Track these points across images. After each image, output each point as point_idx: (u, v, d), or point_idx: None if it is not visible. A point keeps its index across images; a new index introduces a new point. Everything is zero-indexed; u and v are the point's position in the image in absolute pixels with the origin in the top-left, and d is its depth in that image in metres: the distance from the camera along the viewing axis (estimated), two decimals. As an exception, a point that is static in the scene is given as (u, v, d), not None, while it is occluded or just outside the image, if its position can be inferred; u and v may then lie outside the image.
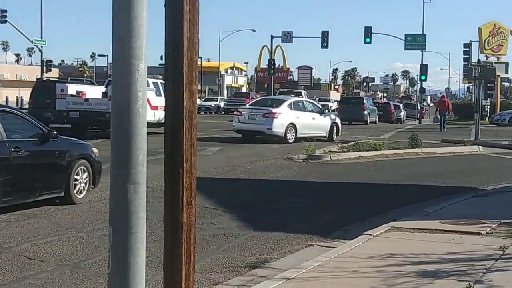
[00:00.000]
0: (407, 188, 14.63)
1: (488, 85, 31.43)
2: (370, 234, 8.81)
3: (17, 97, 62.63)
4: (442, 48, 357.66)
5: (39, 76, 53.42)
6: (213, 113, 59.41)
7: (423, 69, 60.98)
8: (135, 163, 3.19)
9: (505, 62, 56.41)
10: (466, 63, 45.89)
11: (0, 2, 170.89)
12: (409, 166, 19.28)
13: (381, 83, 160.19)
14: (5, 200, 9.70)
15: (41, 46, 54.86)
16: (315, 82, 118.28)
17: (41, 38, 54.61)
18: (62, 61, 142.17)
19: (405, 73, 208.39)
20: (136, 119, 3.18)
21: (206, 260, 7.79)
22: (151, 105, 26.30)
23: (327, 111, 31.45)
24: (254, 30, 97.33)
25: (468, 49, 47.01)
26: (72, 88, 26.13)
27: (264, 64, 76.33)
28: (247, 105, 32.22)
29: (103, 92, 26.95)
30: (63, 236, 8.79)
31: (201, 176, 14.29)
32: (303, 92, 60.60)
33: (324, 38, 60.91)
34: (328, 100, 76.39)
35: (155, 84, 26.55)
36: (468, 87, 78.13)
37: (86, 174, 11.31)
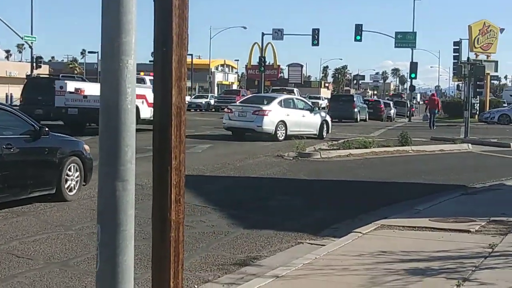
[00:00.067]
0: (397, 185, 14.65)
1: (478, 83, 31.48)
2: (360, 232, 8.81)
3: (6, 93, 62.30)
4: (432, 46, 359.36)
5: (29, 73, 53.19)
6: (203, 110, 59.32)
7: (413, 67, 61.12)
8: (123, 160, 3.16)
9: (494, 60, 56.68)
10: (456, 61, 46.05)
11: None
12: (399, 163, 19.32)
13: (371, 81, 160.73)
14: (-4, 197, 9.67)
15: (31, 43, 54.52)
16: (305, 80, 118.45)
17: (31, 34, 54.24)
18: (52, 57, 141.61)
19: (395, 71, 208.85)
20: (125, 115, 3.16)
21: (195, 258, 7.77)
22: (148, 102, 26.27)
23: (317, 108, 31.42)
24: (245, 27, 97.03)
25: (458, 47, 47.18)
26: (71, 85, 26.16)
27: (255, 61, 76.33)
28: (238, 102, 32.17)
29: None
30: (51, 234, 8.74)
31: (191, 173, 14.26)
32: (295, 89, 60.64)
33: (315, 36, 60.93)
34: (319, 98, 76.46)
35: (152, 81, 26.53)
36: (458, 85, 78.50)
37: (77, 171, 11.29)
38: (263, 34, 65.35)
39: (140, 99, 24.86)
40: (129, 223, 3.19)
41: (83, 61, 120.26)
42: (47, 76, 37.23)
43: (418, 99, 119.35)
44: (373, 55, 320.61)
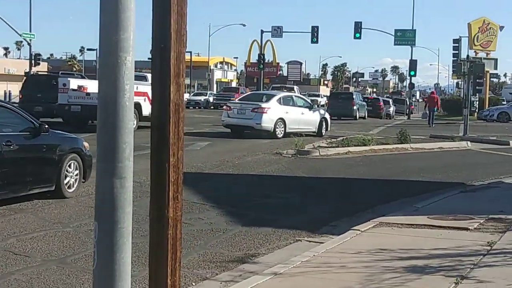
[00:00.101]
0: (396, 183, 14.65)
1: (477, 80, 31.45)
2: (358, 230, 8.81)
3: (4, 91, 62.24)
4: (431, 44, 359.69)
5: (27, 70, 53.10)
6: (202, 107, 59.30)
7: (413, 64, 61.07)
8: (121, 157, 3.15)
9: (494, 58, 56.66)
10: (455, 58, 46.05)
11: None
12: (398, 161, 19.31)
13: (371, 79, 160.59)
14: (-4, 194, 9.69)
15: (30, 40, 54.43)
16: (304, 77, 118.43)
17: (30, 31, 54.19)
18: (51, 55, 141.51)
19: (395, 69, 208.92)
20: (123, 112, 3.14)
21: (193, 255, 7.76)
22: (150, 100, 26.26)
23: (316, 106, 31.43)
24: (244, 25, 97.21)
25: (457, 44, 47.17)
26: (74, 83, 26.30)
27: (254, 58, 76.23)
28: (237, 100, 32.15)
29: None
30: (49, 231, 8.73)
31: (190, 171, 14.25)
32: (295, 87, 60.64)
33: (314, 33, 60.85)
34: (318, 95, 76.44)
35: None
36: (457, 83, 78.48)
37: (76, 168, 11.31)
38: (262, 32, 65.28)
39: (142, 96, 24.85)
40: (126, 220, 3.17)
41: (82, 58, 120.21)
42: (47, 73, 37.26)
43: (417, 97, 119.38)
44: (372, 53, 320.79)
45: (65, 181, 11.01)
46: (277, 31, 65.37)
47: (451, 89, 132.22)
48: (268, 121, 24.80)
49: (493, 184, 14.25)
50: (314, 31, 60.82)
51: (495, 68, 59.14)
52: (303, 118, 26.37)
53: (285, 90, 46.29)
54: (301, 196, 12.53)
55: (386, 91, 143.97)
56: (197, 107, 58.48)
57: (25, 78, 31.79)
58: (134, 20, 3.17)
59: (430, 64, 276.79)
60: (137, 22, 3.21)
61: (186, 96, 36.29)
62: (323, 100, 69.13)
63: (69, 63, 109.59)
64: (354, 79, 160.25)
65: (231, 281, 6.64)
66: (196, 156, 17.74)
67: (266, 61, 72.09)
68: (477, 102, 50.33)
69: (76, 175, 11.29)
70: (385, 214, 10.06)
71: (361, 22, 59.70)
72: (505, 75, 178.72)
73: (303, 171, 16.25)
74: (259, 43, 67.82)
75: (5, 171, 9.78)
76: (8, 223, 9.08)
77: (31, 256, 7.46)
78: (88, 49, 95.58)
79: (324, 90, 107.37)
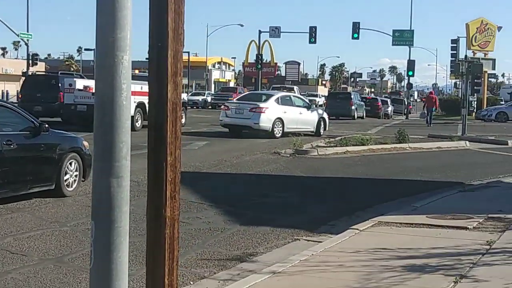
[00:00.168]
0: (394, 182, 14.64)
1: (475, 81, 31.47)
2: (357, 229, 8.79)
3: (2, 90, 62.23)
4: (429, 44, 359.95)
5: (25, 70, 53.06)
6: (200, 107, 59.29)
7: (411, 64, 61.06)
8: (118, 157, 3.13)
9: (492, 58, 56.58)
10: (453, 59, 45.90)
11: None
12: (396, 160, 19.30)
13: (369, 79, 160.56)
14: (-4, 193, 9.71)
15: (27, 40, 54.34)
16: (302, 77, 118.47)
17: (27, 31, 54.11)
18: (49, 55, 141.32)
19: (393, 69, 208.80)
20: (120, 111, 3.13)
21: (191, 254, 7.74)
22: None
23: (314, 106, 31.43)
24: (242, 25, 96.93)
25: (455, 45, 47.03)
26: (80, 83, 26.69)
27: (252, 59, 76.27)
28: (235, 99, 32.14)
29: None
30: (46, 230, 8.71)
31: (187, 170, 14.24)
32: (295, 87, 60.71)
33: (312, 33, 60.80)
34: (316, 95, 76.44)
35: None
36: (455, 83, 78.41)
37: (76, 167, 11.36)
38: (260, 32, 65.27)
39: (147, 96, 25.04)
40: (123, 219, 3.16)
41: (79, 58, 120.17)
42: (46, 73, 37.39)
43: (416, 97, 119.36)
44: (370, 53, 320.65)
45: (65, 180, 11.07)
46: (275, 31, 65.33)
47: (449, 89, 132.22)
48: (266, 120, 24.79)
49: (492, 183, 14.25)
50: (312, 31, 60.76)
51: (493, 68, 59.02)
52: (301, 118, 26.37)
53: (285, 90, 46.31)
54: (299, 195, 12.51)
55: (384, 91, 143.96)
56: (195, 107, 58.45)
57: (24, 78, 31.98)
58: (131, 19, 3.15)
59: (428, 64, 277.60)
60: (134, 21, 3.19)
61: (184, 96, 36.28)
62: (321, 100, 69.09)
63: (67, 63, 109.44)
64: (352, 79, 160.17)
65: (229, 280, 6.62)
66: (194, 155, 17.73)
67: (264, 61, 72.23)
68: (475, 102, 50.42)
69: (76, 174, 11.35)
70: (384, 214, 10.05)
71: (359, 23, 59.73)
72: (503, 75, 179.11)
73: (301, 170, 16.24)
74: (257, 43, 67.77)
75: (5, 170, 9.83)
76: (5, 222, 9.06)
77: (28, 255, 7.44)
78: (85, 49, 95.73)
79: (322, 90, 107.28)
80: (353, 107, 47.17)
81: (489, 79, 70.45)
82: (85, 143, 11.74)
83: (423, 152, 22.20)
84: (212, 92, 75.12)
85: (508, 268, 6.84)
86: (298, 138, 21.01)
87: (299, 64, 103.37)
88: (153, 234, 3.41)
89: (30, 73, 41.72)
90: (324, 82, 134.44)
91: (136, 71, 30.22)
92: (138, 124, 25.60)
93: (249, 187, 13.31)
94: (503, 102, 60.41)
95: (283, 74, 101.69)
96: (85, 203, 10.39)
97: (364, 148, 21.21)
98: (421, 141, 25.17)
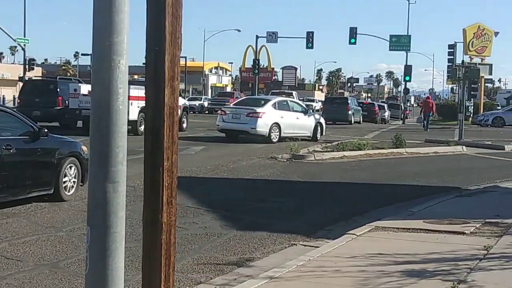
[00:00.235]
0: (391, 187, 14.62)
1: (472, 86, 31.60)
2: (354, 234, 8.77)
3: (-2, 95, 62.12)
4: (426, 49, 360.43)
5: (21, 75, 53.01)
6: (197, 112, 59.28)
7: (408, 70, 61.22)
8: (114, 162, 3.12)
9: (489, 64, 56.78)
10: (450, 64, 46.13)
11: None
12: (393, 165, 19.29)
13: (365, 84, 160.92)
14: (-4, 197, 9.72)
15: (24, 45, 54.30)
16: (299, 82, 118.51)
17: (24, 36, 54.08)
18: (46, 60, 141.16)
19: (389, 74, 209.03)
20: (116, 116, 3.11)
21: (187, 259, 7.71)
22: None
23: (311, 111, 31.44)
24: (239, 30, 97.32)
25: (452, 50, 47.24)
26: (85, 88, 26.99)
27: (249, 64, 76.29)
28: (232, 104, 32.13)
29: None
30: (42, 235, 8.67)
31: (184, 175, 14.20)
32: (294, 93, 60.81)
33: (309, 39, 60.92)
34: (313, 100, 76.53)
35: None
36: (452, 88, 78.66)
37: (75, 171, 11.39)
38: (257, 37, 65.33)
39: None
40: (119, 225, 3.13)
41: (76, 63, 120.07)
42: (45, 78, 37.50)
43: (412, 102, 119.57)
44: (367, 58, 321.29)
45: (64, 185, 11.09)
46: (272, 37, 65.43)
47: (446, 94, 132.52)
48: (263, 125, 24.78)
49: (489, 188, 14.24)
50: (309, 36, 60.88)
51: (490, 73, 59.28)
52: (298, 123, 26.36)
53: (284, 95, 46.34)
54: (296, 200, 12.49)
55: (381, 96, 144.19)
56: (192, 112, 58.42)
57: (23, 82, 32.14)
58: (128, 23, 3.14)
59: (425, 70, 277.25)
60: (131, 26, 3.17)
61: (185, 101, 36.41)
62: (318, 105, 69.16)
63: (64, 68, 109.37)
64: (349, 84, 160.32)
65: (226, 285, 6.60)
66: (190, 160, 17.70)
67: (261, 66, 72.28)
68: (472, 107, 50.55)
69: (75, 178, 11.38)
70: (381, 218, 10.03)
71: (356, 28, 59.87)
72: (499, 81, 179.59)
73: (298, 175, 16.22)
74: (254, 49, 67.84)
75: (4, 175, 9.85)
76: (0, 227, 9.02)
77: (23, 261, 7.40)
78: (82, 54, 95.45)
79: (319, 95, 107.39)
80: (350, 112, 47.21)
81: (486, 84, 70.69)
82: (84, 148, 11.76)
83: (420, 157, 22.20)
84: (209, 97, 75.11)
85: (506, 273, 6.82)
86: (295, 143, 21.00)
87: (296, 69, 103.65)
88: (149, 239, 3.39)
89: (26, 78, 41.74)
90: (321, 87, 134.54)
91: (136, 76, 30.28)
92: (142, 129, 25.63)
93: (245, 192, 13.28)
94: (499, 107, 60.59)
95: (280, 79, 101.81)
96: (81, 208, 10.36)
97: (361, 153, 21.20)
98: (418, 146, 25.17)
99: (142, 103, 25.02)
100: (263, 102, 26.58)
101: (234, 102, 32.75)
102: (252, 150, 21.86)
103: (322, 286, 6.35)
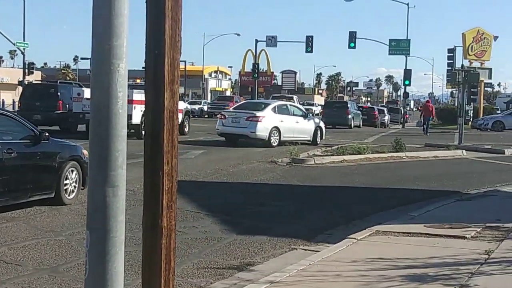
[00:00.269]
0: (391, 191, 14.59)
1: (472, 90, 31.57)
2: (354, 238, 8.75)
3: (-2, 99, 62.10)
4: (426, 54, 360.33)
5: (21, 79, 53.02)
6: (196, 116, 59.26)
7: (407, 74, 61.19)
8: (114, 166, 3.10)
9: (488, 68, 56.81)
10: (450, 68, 46.19)
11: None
12: (393, 169, 19.27)
13: (365, 88, 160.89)
14: (-3, 201, 9.72)
15: (24, 49, 54.33)
16: (299, 86, 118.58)
17: (24, 40, 54.09)
18: (45, 64, 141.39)
19: (389, 78, 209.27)
20: (116, 120, 3.10)
21: (187, 264, 7.68)
22: None
23: (311, 115, 31.45)
24: (238, 34, 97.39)
25: (452, 54, 47.32)
26: (88, 92, 27.02)
27: (248, 68, 76.40)
28: (231, 108, 32.13)
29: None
30: (41, 239, 8.64)
31: (184, 179, 14.18)
32: (294, 97, 60.84)
33: (309, 43, 60.99)
34: (312, 104, 76.59)
35: None
36: (452, 92, 78.68)
37: (76, 175, 11.40)
38: (256, 41, 65.39)
39: None
40: (119, 229, 3.12)
41: (75, 67, 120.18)
42: (45, 82, 37.55)
43: (412, 106, 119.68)
44: (366, 62, 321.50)
45: (65, 188, 11.11)
46: (272, 41, 65.53)
47: (445, 98, 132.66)
48: (262, 129, 24.77)
49: (489, 192, 14.22)
50: (309, 40, 60.96)
51: (489, 77, 59.24)
52: (297, 127, 26.35)
53: (285, 100, 46.37)
54: (296, 204, 12.46)
55: (380, 100, 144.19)
56: (191, 116, 58.42)
57: (23, 87, 32.30)
58: (127, 27, 3.12)
59: (425, 74, 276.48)
60: (131, 29, 3.16)
61: (187, 105, 36.47)
62: (317, 109, 69.21)
63: (63, 71, 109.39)
64: (349, 88, 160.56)
65: (226, 290, 6.57)
66: (190, 164, 17.68)
67: (261, 70, 72.34)
68: (472, 111, 50.57)
69: (76, 182, 11.39)
70: (381, 223, 10.00)
71: (355, 32, 59.87)
72: (499, 85, 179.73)
73: (298, 179, 16.20)
74: (254, 53, 67.93)
75: (6, 179, 9.86)
76: (0, 232, 8.99)
77: (23, 265, 7.37)
78: (82, 58, 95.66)
79: (319, 99, 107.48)
80: (349, 116, 47.25)
81: (485, 89, 70.60)
82: (85, 152, 11.76)
83: (420, 161, 22.18)
84: (209, 101, 75.18)
85: (507, 277, 6.80)
86: (295, 147, 21.00)
87: (295, 73, 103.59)
88: (149, 244, 3.37)
89: (26, 82, 41.77)
90: (320, 91, 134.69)
91: (138, 80, 30.34)
92: None
93: (245, 196, 13.26)
94: (499, 111, 60.57)
95: (279, 83, 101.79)
96: (81, 212, 10.33)
97: (361, 157, 21.19)
98: (418, 150, 25.16)
99: None
100: (262, 106, 26.58)
101: (234, 106, 32.73)
102: (252, 154, 21.84)
103: (323, 290, 6.33)
